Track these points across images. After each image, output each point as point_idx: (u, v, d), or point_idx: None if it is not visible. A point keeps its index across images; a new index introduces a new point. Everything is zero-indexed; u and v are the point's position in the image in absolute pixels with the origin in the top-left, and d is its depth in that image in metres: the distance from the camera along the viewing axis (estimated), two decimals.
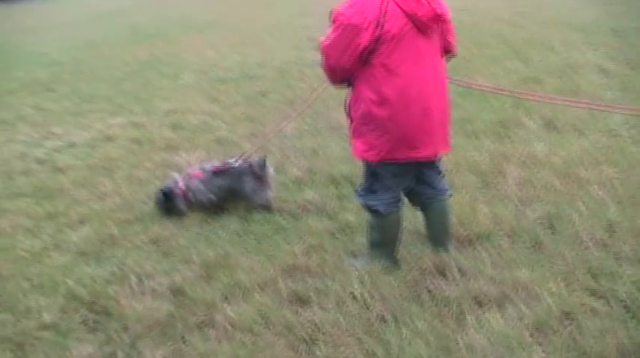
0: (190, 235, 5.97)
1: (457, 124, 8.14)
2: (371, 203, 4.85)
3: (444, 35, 4.64)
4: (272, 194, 6.43)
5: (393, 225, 4.99)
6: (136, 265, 5.40)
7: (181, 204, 6.39)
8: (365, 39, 4.24)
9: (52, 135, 10.17)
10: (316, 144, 8.08)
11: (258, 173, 6.38)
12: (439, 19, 4.35)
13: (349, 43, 4.29)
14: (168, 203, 6.39)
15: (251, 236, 5.86)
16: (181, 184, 6.42)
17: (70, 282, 5.20)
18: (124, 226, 6.27)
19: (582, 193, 6.12)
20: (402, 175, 4.77)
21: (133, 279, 5.17)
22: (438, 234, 5.21)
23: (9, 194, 7.55)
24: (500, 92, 6.07)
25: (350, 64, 4.39)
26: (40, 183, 7.77)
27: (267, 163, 6.51)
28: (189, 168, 6.77)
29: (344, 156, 7.28)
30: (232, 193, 6.46)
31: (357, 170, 6.82)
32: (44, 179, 7.91)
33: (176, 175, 6.63)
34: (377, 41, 4.26)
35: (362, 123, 4.56)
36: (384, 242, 5.04)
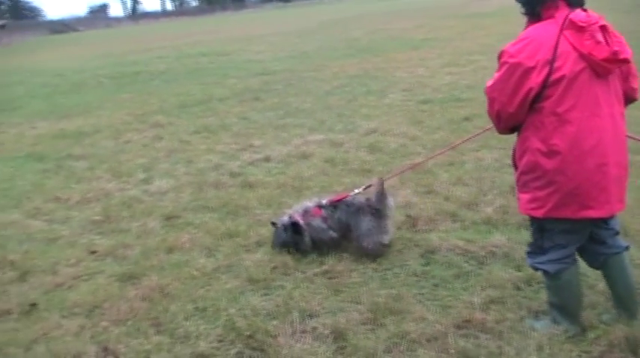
0: (366, 271, 5.62)
1: None
2: (538, 263, 4.35)
3: (627, 79, 4.12)
4: (388, 238, 5.95)
5: (566, 286, 4.37)
6: (302, 300, 5.12)
7: (308, 241, 6.01)
8: (535, 81, 3.85)
9: (250, 147, 10.26)
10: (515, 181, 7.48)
11: (376, 210, 5.90)
12: (618, 60, 3.84)
13: (517, 85, 3.91)
14: (297, 237, 6.02)
15: (429, 279, 5.43)
16: (301, 222, 6.02)
17: (233, 311, 5.00)
18: (299, 254, 6.01)
19: None
20: (574, 233, 4.21)
21: (296, 316, 4.88)
22: (622, 298, 4.46)
23: (195, 206, 7.58)
24: None
25: (517, 109, 3.99)
26: (227, 197, 7.74)
27: (389, 199, 6.01)
28: (308, 204, 6.29)
29: None
30: (349, 230, 6.00)
31: None
32: (232, 194, 7.89)
33: (290, 211, 6.25)
34: (547, 84, 3.85)
35: (527, 175, 4.13)
36: (562, 304, 4.42)
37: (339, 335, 4.62)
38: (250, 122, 12.33)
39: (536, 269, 4.40)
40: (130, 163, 9.95)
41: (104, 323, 5.04)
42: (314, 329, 4.73)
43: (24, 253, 6.62)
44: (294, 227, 6.01)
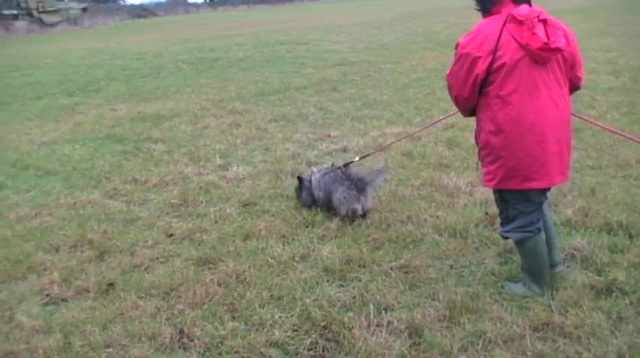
0: (442, 267, 5.57)
1: None
2: (505, 232, 4.92)
3: (573, 67, 4.68)
4: (365, 205, 6.65)
5: (530, 253, 4.92)
6: (378, 293, 5.09)
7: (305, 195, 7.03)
8: (480, 69, 4.44)
9: (327, 137, 10.27)
10: (596, 183, 7.31)
11: (354, 181, 6.63)
12: (551, 49, 4.36)
13: (467, 72, 4.51)
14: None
15: (506, 278, 5.33)
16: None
17: (308, 301, 5.00)
18: (375, 246, 5.99)
19: None
20: (529, 200, 4.75)
21: (372, 309, 4.84)
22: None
23: (272, 194, 7.60)
24: (620, 134, 6.17)
25: (469, 93, 4.60)
26: None
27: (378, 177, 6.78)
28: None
29: (626, 201, 6.55)
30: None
31: (638, 219, 6.10)
32: None
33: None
34: (491, 71, 4.44)
35: (482, 151, 4.76)
36: (529, 269, 5.00)
37: (414, 331, 4.59)
38: (328, 112, 12.34)
39: (504, 237, 4.99)
40: (207, 148, 10.04)
41: (180, 306, 5.10)
42: (389, 323, 4.69)
43: (102, 233, 6.74)
44: (298, 180, 7.13)
